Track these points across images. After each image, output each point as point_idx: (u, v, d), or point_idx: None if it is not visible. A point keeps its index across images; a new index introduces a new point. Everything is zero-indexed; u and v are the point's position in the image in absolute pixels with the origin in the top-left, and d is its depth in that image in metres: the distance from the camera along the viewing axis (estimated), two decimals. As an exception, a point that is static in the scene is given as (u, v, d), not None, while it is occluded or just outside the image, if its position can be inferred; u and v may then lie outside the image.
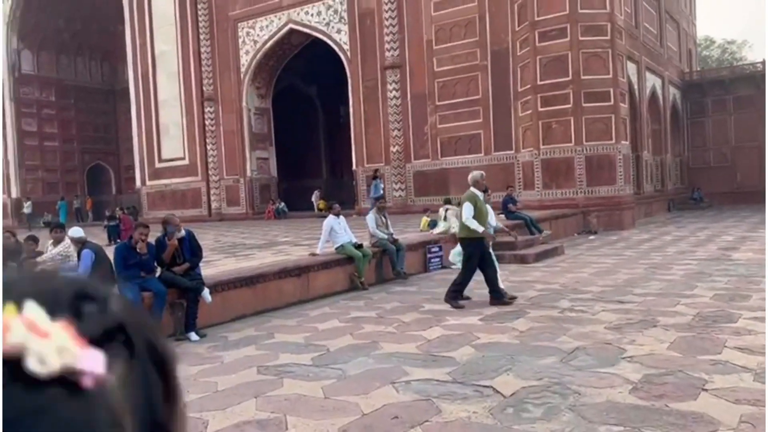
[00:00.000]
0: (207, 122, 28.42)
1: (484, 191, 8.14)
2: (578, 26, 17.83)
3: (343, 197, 31.56)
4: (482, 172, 8.35)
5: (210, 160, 28.54)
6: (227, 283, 8.05)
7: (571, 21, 17.83)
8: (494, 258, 8.04)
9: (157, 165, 30.26)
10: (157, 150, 30.14)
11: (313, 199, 29.11)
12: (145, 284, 7.04)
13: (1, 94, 35.43)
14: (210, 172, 28.63)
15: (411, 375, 4.87)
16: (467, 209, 7.75)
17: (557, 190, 18.12)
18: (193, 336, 7.06)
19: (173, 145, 29.57)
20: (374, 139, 24.04)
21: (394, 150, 23.43)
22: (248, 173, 27.80)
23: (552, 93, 18.10)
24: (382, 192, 21.10)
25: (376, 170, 23.04)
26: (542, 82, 18.25)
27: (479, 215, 7.76)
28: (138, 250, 7.10)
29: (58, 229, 8.20)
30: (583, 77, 17.83)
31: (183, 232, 7.53)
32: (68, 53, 37.92)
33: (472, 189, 7.95)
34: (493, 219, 8.43)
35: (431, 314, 7.37)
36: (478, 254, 7.78)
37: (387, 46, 23.09)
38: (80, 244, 7.77)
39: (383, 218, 10.89)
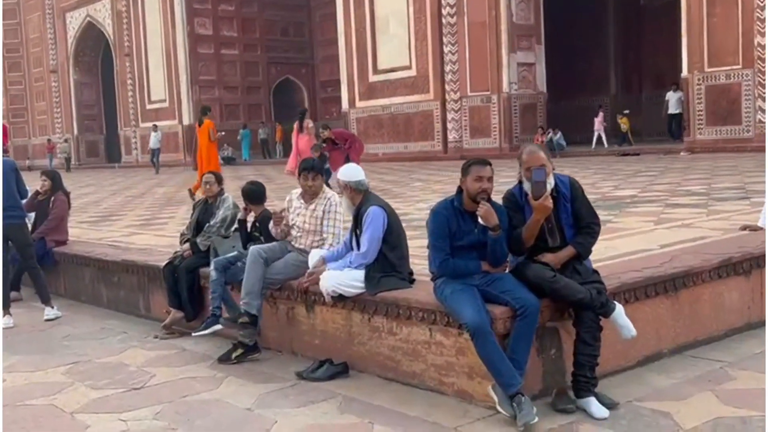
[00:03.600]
0: (444, 11, 25.49)
1: None
2: None
3: (640, 123, 27.56)
4: None
5: (448, 68, 25.86)
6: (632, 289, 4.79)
7: None
8: None
9: (372, 78, 28.27)
10: (371, 56, 28.09)
11: (597, 126, 25.07)
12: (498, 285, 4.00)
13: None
14: (447, 88, 26.07)
15: None
16: None
17: None
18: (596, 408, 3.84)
19: (394, 49, 27.26)
20: (724, 25, 19.28)
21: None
22: (504, 88, 24.66)
23: None
24: None
25: None
26: None
27: None
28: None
29: (311, 173, 5.56)
30: None
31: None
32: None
33: None
34: None
35: None
36: None
37: None
38: (359, 192, 5.21)
39: None
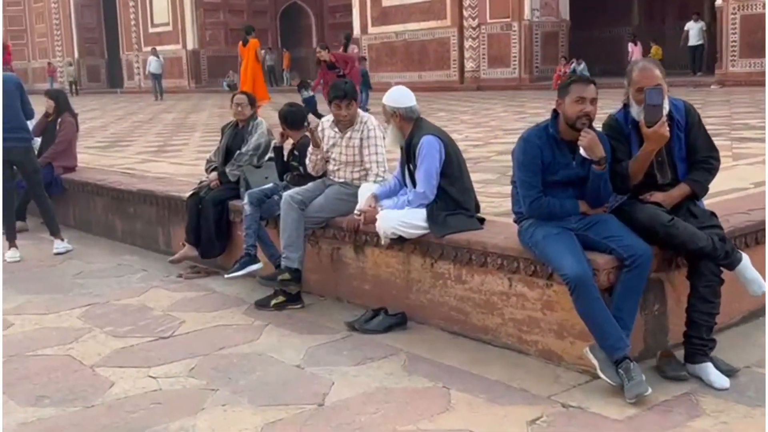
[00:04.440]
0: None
1: None
2: None
3: (663, 55, 26.36)
4: None
5: (466, -8, 24.57)
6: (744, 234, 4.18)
7: None
8: None
9: (385, 2, 27.08)
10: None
11: (636, 55, 23.69)
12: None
13: None
14: (465, 14, 24.98)
15: None
16: None
17: None
18: None
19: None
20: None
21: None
22: (526, 14, 23.54)
23: None
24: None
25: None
26: None
27: None
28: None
29: (344, 101, 4.87)
30: None
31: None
32: None
33: None
34: None
35: None
36: None
37: None
38: (409, 120, 4.58)
39: None
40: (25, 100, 6.58)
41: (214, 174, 5.89)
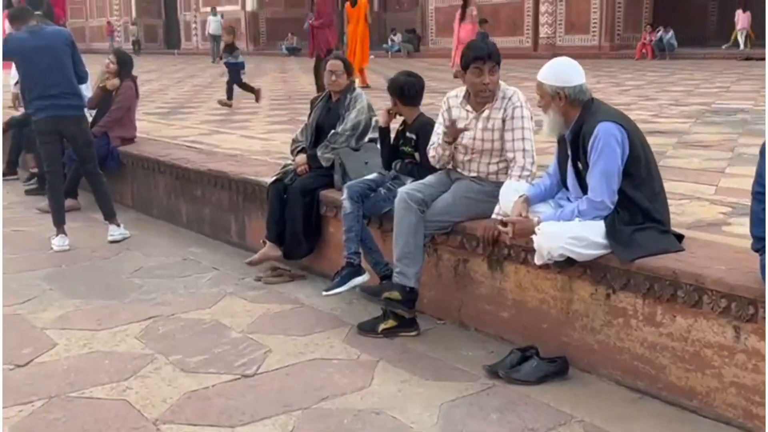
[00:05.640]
0: None
1: None
2: None
3: (756, 25, 24.40)
4: None
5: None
6: None
7: None
8: None
9: (455, -37, 25.57)
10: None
11: (744, 24, 21.79)
12: None
13: None
14: (541, -24, 23.21)
15: None
16: None
17: None
18: None
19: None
20: None
21: None
22: (608, -24, 21.87)
23: None
24: None
25: None
26: None
27: None
28: None
29: (487, 64, 3.72)
30: None
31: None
32: None
33: None
34: None
35: None
36: None
37: None
38: (577, 103, 3.50)
39: None
40: (78, 60, 5.58)
41: (302, 157, 4.80)
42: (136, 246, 5.66)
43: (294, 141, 5.06)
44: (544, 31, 23.60)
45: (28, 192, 7.46)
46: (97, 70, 7.47)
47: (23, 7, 6.49)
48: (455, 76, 12.79)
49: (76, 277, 4.98)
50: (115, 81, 6.84)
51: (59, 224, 5.59)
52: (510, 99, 3.78)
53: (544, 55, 22.70)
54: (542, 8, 23.51)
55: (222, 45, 13.60)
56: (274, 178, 4.85)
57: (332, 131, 4.74)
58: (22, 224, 6.39)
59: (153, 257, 5.39)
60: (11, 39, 5.46)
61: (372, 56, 28.50)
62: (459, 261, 3.90)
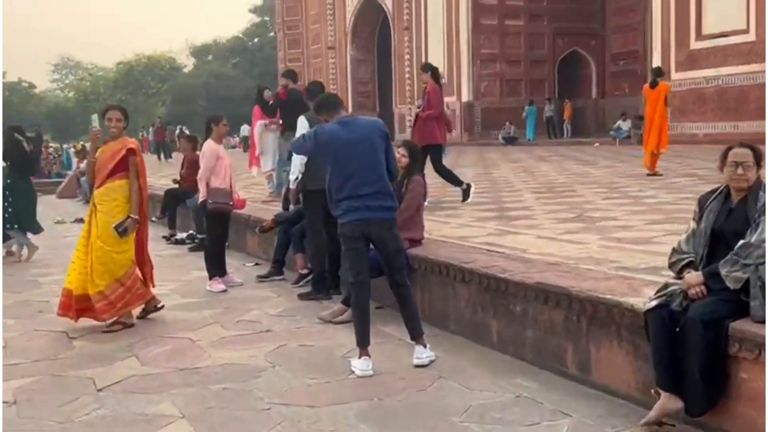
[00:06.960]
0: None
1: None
2: None
3: None
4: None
5: (799, 30, 20.83)
6: None
7: None
8: None
9: (693, 45, 23.95)
10: (695, 18, 23.72)
11: None
12: None
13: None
14: (798, 54, 20.96)
15: None
16: None
17: None
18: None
19: (725, 9, 22.69)
20: None
21: None
22: None
23: None
24: None
25: None
26: None
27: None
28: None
29: None
30: None
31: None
32: None
33: None
34: None
35: None
36: None
37: None
38: None
39: None
40: (390, 154, 4.85)
41: (695, 276, 3.66)
42: (448, 373, 4.70)
43: (674, 251, 3.93)
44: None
45: (301, 296, 6.88)
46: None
47: (331, 94, 5.90)
48: None
49: (395, 415, 4.07)
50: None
51: (364, 345, 4.77)
52: None
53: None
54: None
55: None
56: (656, 302, 3.73)
57: (741, 242, 3.58)
58: (305, 337, 5.69)
59: (476, 392, 4.39)
60: (323, 131, 4.78)
61: (596, 143, 27.50)
62: None
